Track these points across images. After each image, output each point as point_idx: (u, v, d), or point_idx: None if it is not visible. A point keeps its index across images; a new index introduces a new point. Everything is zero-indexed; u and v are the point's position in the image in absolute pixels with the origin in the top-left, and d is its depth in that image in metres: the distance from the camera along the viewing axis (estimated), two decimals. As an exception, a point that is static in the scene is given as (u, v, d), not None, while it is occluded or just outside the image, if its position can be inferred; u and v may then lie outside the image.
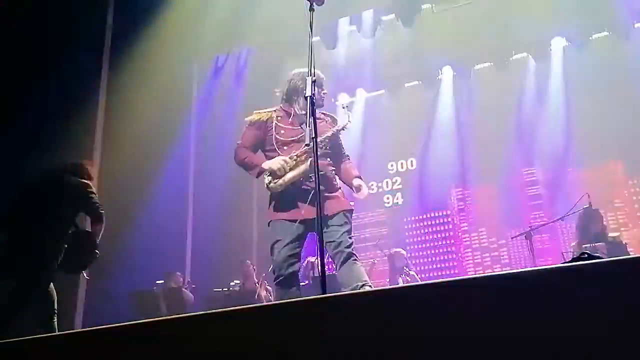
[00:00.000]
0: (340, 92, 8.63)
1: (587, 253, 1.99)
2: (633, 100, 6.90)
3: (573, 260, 1.95)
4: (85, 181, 4.05)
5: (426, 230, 8.03)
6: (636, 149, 6.55)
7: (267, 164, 3.31)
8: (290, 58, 7.41)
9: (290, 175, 3.25)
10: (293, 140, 3.36)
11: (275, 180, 3.27)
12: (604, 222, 5.13)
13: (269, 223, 3.36)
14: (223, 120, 7.28)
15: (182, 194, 7.64)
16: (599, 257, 1.98)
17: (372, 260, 7.02)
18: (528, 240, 5.07)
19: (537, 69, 7.74)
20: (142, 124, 6.44)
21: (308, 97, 2.82)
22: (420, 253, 7.87)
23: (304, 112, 3.20)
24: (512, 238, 5.40)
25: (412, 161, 8.42)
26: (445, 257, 7.71)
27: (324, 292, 2.45)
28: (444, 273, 7.55)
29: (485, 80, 7.90)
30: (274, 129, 3.39)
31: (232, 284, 6.21)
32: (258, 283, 6.26)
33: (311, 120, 2.74)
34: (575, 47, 7.40)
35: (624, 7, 6.78)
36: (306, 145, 2.76)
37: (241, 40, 7.59)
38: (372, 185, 8.51)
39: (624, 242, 5.05)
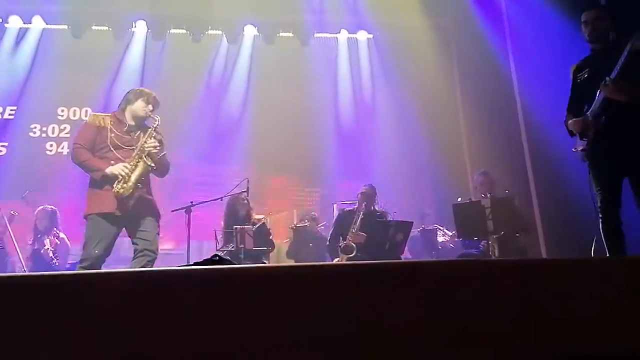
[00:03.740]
0: (11, 15, 7.40)
1: (218, 255, 2.13)
2: (301, 98, 7.91)
3: (205, 262, 2.08)
4: None
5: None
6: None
7: (109, 170, 3.70)
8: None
9: (134, 176, 3.71)
10: (125, 145, 3.81)
11: (123, 185, 3.68)
12: (249, 208, 5.72)
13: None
14: None
15: None
16: (229, 262, 2.16)
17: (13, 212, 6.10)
18: (187, 215, 5.29)
19: (228, 50, 8.09)
20: None
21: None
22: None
23: (132, 122, 3.89)
24: (172, 211, 5.54)
25: (86, 110, 7.76)
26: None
27: None
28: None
29: (179, 46, 7.83)
30: (109, 132, 3.78)
31: None
32: None
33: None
34: (264, 38, 7.97)
35: (308, 17, 7.63)
36: None
37: None
38: (35, 127, 7.57)
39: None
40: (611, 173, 3.23)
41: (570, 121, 3.41)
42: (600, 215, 3.24)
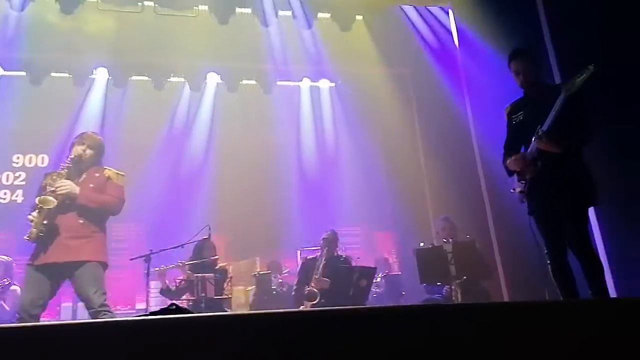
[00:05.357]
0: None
1: (175, 304, 2.05)
2: (264, 146, 7.94)
3: (162, 311, 2.00)
4: None
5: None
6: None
7: None
8: None
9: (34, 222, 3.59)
10: None
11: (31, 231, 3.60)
12: (215, 253, 5.63)
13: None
14: None
15: None
16: (187, 311, 2.08)
17: None
18: (147, 263, 5.14)
19: (191, 97, 8.10)
20: None
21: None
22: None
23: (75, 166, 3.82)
24: (130, 259, 5.38)
25: (43, 157, 7.58)
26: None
27: None
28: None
29: (141, 93, 7.78)
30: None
31: None
32: None
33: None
34: (227, 86, 8.03)
35: (271, 66, 7.76)
36: None
37: None
38: (-11, 175, 7.32)
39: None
40: (550, 215, 3.26)
41: (509, 160, 3.41)
42: (548, 261, 3.27)
